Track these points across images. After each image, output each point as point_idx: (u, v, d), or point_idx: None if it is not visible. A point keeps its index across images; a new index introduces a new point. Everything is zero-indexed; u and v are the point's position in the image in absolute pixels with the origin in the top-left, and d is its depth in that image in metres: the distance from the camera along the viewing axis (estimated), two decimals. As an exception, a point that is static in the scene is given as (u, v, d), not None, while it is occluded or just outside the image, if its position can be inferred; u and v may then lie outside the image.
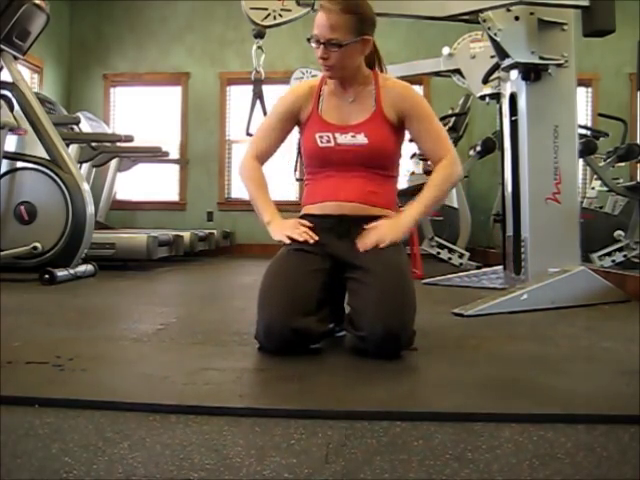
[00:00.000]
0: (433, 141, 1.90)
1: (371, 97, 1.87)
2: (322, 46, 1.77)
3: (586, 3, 2.87)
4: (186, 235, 5.42)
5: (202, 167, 7.14)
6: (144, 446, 1.00)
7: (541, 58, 3.03)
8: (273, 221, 1.86)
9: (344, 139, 1.85)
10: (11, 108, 3.63)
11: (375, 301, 1.65)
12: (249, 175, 1.93)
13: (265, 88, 3.04)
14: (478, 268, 4.22)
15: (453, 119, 5.49)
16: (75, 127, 5.07)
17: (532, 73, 3.07)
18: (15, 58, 3.72)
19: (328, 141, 1.86)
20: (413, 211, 1.83)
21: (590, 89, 6.78)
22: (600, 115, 5.50)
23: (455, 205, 5.77)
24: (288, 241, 1.78)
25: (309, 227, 1.83)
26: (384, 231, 1.77)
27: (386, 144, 1.86)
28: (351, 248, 1.81)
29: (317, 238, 1.78)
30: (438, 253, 4.90)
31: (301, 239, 1.77)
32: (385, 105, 1.85)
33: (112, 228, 5.74)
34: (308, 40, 1.81)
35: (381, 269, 1.71)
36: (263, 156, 1.95)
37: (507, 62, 3.15)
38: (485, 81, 3.76)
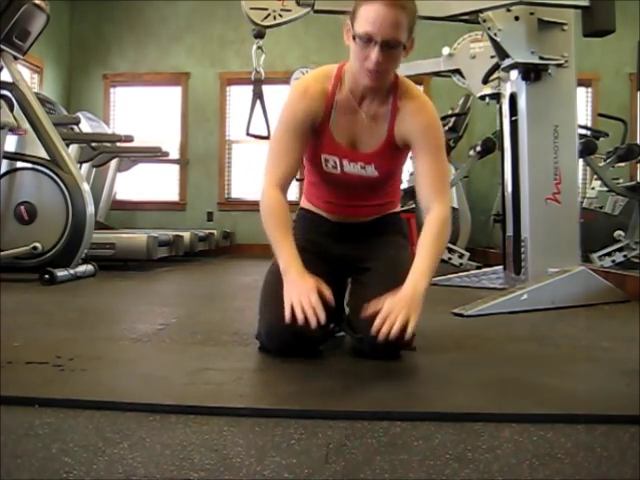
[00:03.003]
0: (430, 179, 1.66)
1: (385, 121, 1.68)
2: (377, 47, 1.51)
3: (586, 3, 2.87)
4: (186, 235, 5.42)
5: (202, 167, 7.14)
6: (144, 446, 1.00)
7: (541, 58, 3.03)
8: (289, 273, 1.58)
9: (352, 168, 1.72)
10: (11, 108, 3.63)
11: (373, 303, 1.65)
12: (269, 211, 1.66)
13: (265, 88, 3.04)
14: (478, 268, 4.22)
15: (453, 119, 5.49)
16: (75, 127, 5.06)
17: (532, 73, 3.07)
18: (15, 58, 3.71)
19: (334, 167, 1.73)
20: (420, 287, 1.53)
21: (590, 89, 6.78)
22: (600, 115, 5.50)
23: (455, 205, 5.76)
24: (289, 311, 1.49)
25: (323, 298, 1.52)
26: (406, 311, 1.45)
27: (396, 169, 1.79)
28: (353, 250, 1.80)
29: (323, 321, 1.47)
30: (438, 253, 4.88)
31: (313, 321, 1.46)
32: (397, 131, 1.68)
33: (112, 228, 5.73)
34: (353, 38, 1.55)
35: (382, 269, 1.71)
36: (285, 181, 1.68)
37: (507, 62, 3.14)
38: (485, 81, 3.76)
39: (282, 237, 1.63)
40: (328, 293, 1.51)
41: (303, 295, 1.49)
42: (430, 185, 1.66)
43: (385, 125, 1.67)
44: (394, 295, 1.48)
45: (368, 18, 1.50)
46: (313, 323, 1.45)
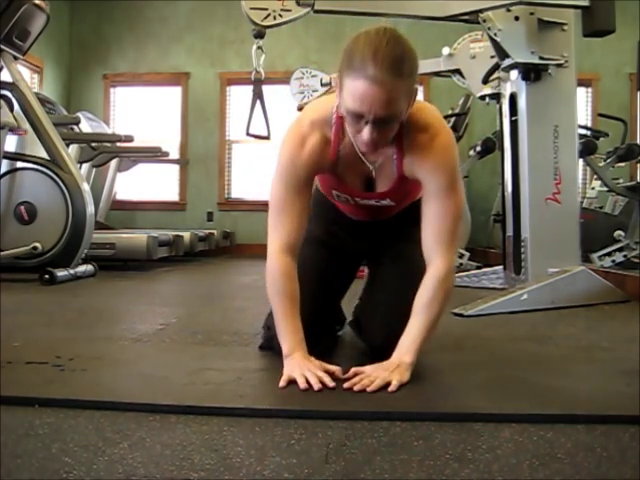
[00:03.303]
0: (436, 226, 1.46)
1: (392, 162, 1.48)
2: (370, 125, 1.29)
3: (586, 3, 2.88)
4: (186, 235, 5.42)
5: (202, 167, 7.14)
6: (144, 446, 1.00)
7: (541, 58, 3.04)
8: (293, 357, 1.41)
9: (366, 202, 1.60)
10: (11, 108, 3.63)
11: (382, 309, 1.62)
12: (274, 284, 1.48)
13: (265, 88, 3.03)
14: (478, 268, 4.22)
15: (453, 119, 5.49)
16: (75, 127, 5.07)
17: (532, 73, 3.07)
18: (15, 58, 3.72)
19: (346, 200, 1.63)
20: (405, 362, 1.39)
21: (590, 89, 6.78)
22: (600, 115, 5.50)
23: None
24: (284, 382, 1.34)
25: (331, 371, 1.38)
26: (386, 375, 1.34)
27: (415, 193, 1.59)
28: (371, 245, 1.77)
29: (331, 385, 1.32)
30: (438, 253, 4.88)
31: (317, 387, 1.30)
32: (407, 170, 1.48)
33: (112, 228, 5.74)
34: (340, 118, 1.38)
35: (397, 271, 1.68)
36: (292, 243, 1.49)
37: (507, 62, 3.15)
38: (485, 81, 3.76)
39: (287, 318, 1.46)
40: (337, 370, 1.39)
41: (305, 370, 1.35)
42: (434, 233, 1.46)
43: (394, 166, 1.49)
44: (377, 365, 1.39)
45: (355, 95, 1.26)
46: (316, 387, 1.30)
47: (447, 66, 4.76)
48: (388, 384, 1.31)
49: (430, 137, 1.43)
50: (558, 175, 3.08)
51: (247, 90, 3.33)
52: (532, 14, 3.02)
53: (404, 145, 1.43)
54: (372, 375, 1.34)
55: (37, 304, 2.78)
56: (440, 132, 1.46)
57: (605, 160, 4.73)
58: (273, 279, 1.48)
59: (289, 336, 1.44)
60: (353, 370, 1.38)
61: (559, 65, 3.06)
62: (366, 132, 1.30)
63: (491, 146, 4.88)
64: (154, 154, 6.17)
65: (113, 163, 6.12)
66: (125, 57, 7.20)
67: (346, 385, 1.32)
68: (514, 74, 3.16)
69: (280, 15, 2.82)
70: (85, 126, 5.53)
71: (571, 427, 1.11)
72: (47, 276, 3.44)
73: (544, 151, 3.09)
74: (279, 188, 1.50)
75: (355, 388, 1.30)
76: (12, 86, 3.64)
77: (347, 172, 1.52)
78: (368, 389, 1.29)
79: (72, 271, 3.60)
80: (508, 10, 3.00)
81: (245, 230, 6.85)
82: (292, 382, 1.33)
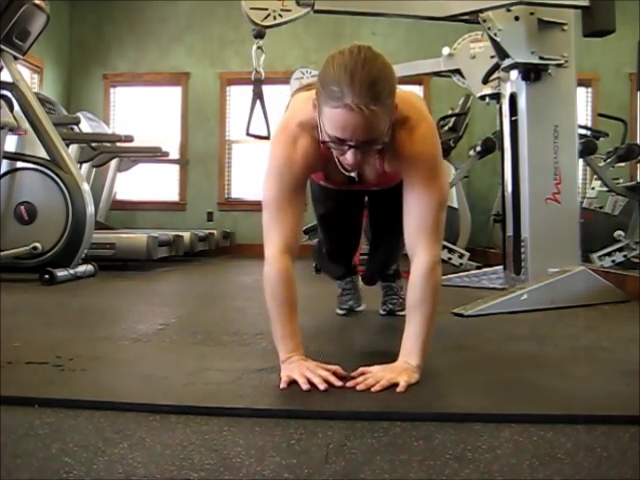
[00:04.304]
0: (418, 216, 1.45)
1: (375, 162, 1.53)
2: (353, 150, 1.30)
3: (586, 3, 2.87)
4: (186, 235, 5.42)
5: (202, 167, 7.14)
6: (144, 446, 1.00)
7: (541, 58, 3.03)
8: (291, 359, 1.39)
9: (352, 187, 1.80)
10: (11, 108, 3.63)
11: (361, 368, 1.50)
12: (273, 290, 1.44)
13: (265, 88, 3.03)
14: (478, 268, 4.21)
15: (453, 119, 5.49)
16: (75, 127, 5.07)
17: (532, 73, 3.06)
18: (15, 58, 3.72)
19: (332, 188, 1.88)
20: (411, 364, 1.40)
21: (590, 89, 6.79)
22: (600, 115, 5.50)
23: (455, 205, 5.77)
24: (285, 383, 1.32)
25: (334, 371, 1.37)
26: (393, 376, 1.33)
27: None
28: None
29: (338, 384, 1.32)
30: (438, 253, 4.88)
31: (321, 386, 1.29)
32: (387, 167, 1.53)
33: (112, 228, 5.74)
34: (323, 143, 1.36)
35: (381, 230, 2.19)
36: (293, 242, 1.46)
37: (507, 62, 3.14)
38: (485, 81, 3.76)
39: (285, 323, 1.42)
40: (337, 369, 1.38)
41: (305, 370, 1.34)
42: (416, 224, 1.44)
43: (376, 164, 1.54)
44: (385, 366, 1.38)
45: (335, 122, 1.27)
46: (321, 387, 1.28)
47: (447, 66, 4.76)
48: (393, 385, 1.30)
49: (409, 130, 1.42)
50: (558, 175, 3.07)
51: (247, 90, 3.33)
52: (532, 14, 3.02)
53: (384, 148, 1.40)
54: (378, 375, 1.33)
55: (37, 304, 2.78)
56: (419, 123, 1.44)
57: (605, 160, 4.73)
58: (271, 285, 1.44)
59: (287, 340, 1.42)
60: (360, 370, 1.38)
61: (559, 65, 3.06)
62: (350, 155, 1.31)
63: (491, 146, 4.88)
64: (154, 154, 6.18)
65: (113, 163, 6.13)
66: (125, 57, 7.20)
67: (350, 384, 1.31)
68: (514, 74, 3.16)
69: (280, 15, 2.82)
70: (85, 126, 5.53)
71: (571, 427, 1.11)
72: (47, 276, 3.44)
73: (544, 151, 3.08)
74: (275, 188, 1.47)
75: (358, 388, 1.30)
76: (12, 86, 3.64)
77: (334, 172, 1.56)
78: (372, 389, 1.29)
79: (72, 271, 3.60)
80: (508, 10, 3.00)
81: (245, 230, 6.85)
82: (293, 383, 1.33)
